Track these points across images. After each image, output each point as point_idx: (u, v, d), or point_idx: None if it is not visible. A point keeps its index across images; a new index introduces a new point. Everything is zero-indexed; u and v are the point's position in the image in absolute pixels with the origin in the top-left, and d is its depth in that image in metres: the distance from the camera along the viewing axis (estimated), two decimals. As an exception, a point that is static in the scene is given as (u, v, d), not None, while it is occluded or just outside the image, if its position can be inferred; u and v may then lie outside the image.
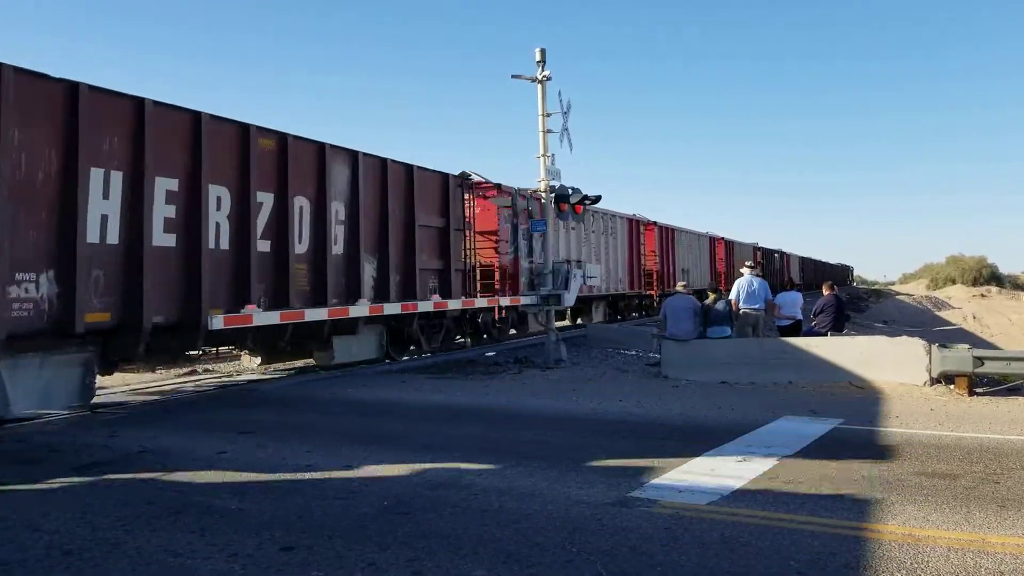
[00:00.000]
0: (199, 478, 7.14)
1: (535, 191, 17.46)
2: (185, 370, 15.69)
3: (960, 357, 11.78)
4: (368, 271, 15.15)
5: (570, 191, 17.59)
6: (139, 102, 10.84)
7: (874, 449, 8.14)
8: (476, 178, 18.58)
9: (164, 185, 11.21)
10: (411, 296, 16.14)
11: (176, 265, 11.38)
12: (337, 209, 14.48)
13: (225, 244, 12.14)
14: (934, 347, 12.25)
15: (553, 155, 17.05)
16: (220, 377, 15.39)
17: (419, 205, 16.47)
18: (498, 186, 19.33)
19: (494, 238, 19.77)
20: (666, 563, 4.87)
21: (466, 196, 18.31)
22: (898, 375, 12.38)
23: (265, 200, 12.91)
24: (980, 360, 11.63)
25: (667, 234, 32.15)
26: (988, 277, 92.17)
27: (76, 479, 7.16)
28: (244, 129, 12.52)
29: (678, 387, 12.88)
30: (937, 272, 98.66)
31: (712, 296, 15.14)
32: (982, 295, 72.22)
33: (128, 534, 5.50)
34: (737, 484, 6.72)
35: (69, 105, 9.97)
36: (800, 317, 16.08)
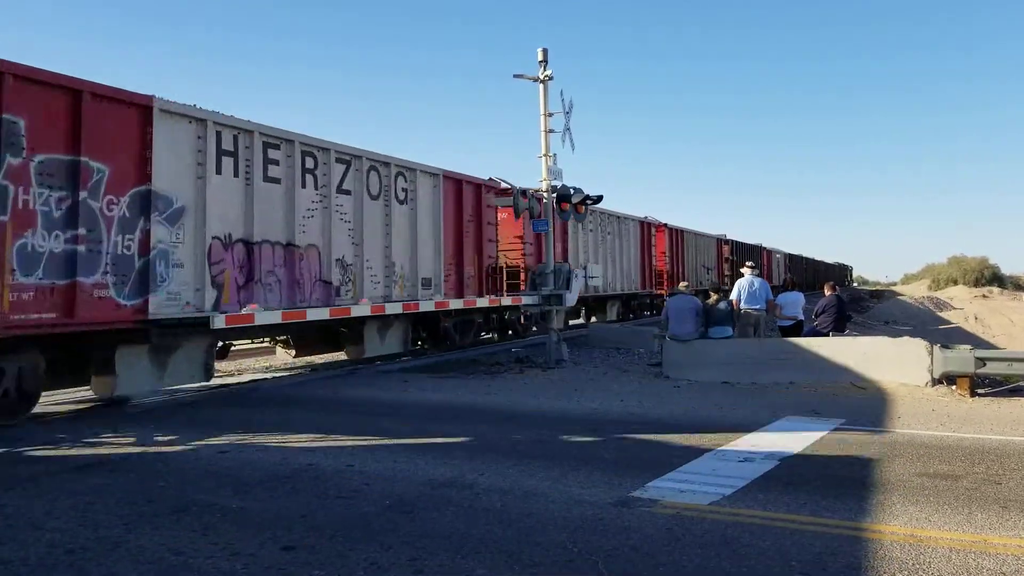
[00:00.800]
0: (200, 477, 7.15)
1: (537, 191, 17.46)
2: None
3: (962, 358, 11.77)
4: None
5: (572, 191, 17.59)
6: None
7: (876, 450, 8.14)
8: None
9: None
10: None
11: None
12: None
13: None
14: (936, 348, 12.24)
15: (555, 155, 17.08)
16: (221, 376, 15.39)
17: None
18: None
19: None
20: (667, 563, 4.87)
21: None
22: (900, 375, 12.38)
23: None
24: (982, 361, 11.63)
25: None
26: (990, 278, 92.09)
27: (78, 477, 7.17)
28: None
29: (679, 387, 12.88)
30: (939, 273, 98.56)
31: (714, 296, 15.13)
32: (984, 296, 72.20)
33: (130, 533, 5.51)
34: (739, 484, 6.72)
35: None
36: (802, 317, 16.08)
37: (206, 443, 8.59)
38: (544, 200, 17.30)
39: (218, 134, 12.10)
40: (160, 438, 8.89)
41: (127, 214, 10.70)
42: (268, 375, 15.50)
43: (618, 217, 28.04)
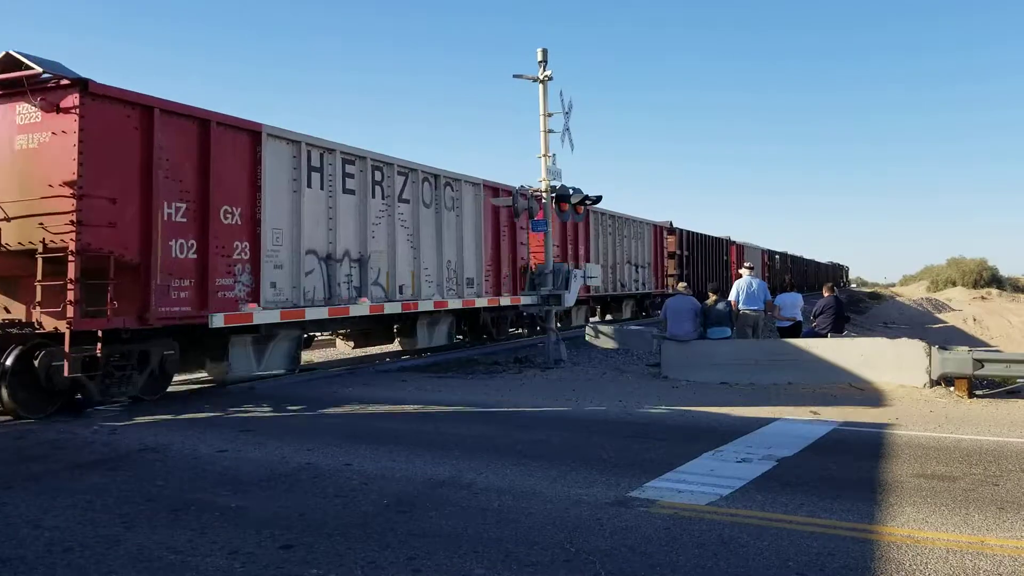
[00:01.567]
0: (199, 476, 7.15)
1: (536, 190, 17.48)
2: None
3: (960, 359, 11.79)
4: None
5: (571, 191, 17.61)
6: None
7: (873, 450, 8.15)
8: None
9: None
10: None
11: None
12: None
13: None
14: (934, 349, 12.26)
15: (554, 155, 17.10)
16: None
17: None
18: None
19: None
20: (665, 563, 4.88)
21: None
22: (898, 376, 12.40)
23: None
24: (980, 362, 11.65)
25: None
26: (989, 279, 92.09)
27: (77, 476, 7.18)
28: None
29: (678, 388, 12.89)
30: (937, 274, 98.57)
31: (712, 297, 15.14)
32: (983, 297, 72.23)
33: (129, 531, 5.51)
34: (736, 485, 6.73)
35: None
36: (800, 318, 16.11)
37: (206, 441, 8.59)
38: (543, 200, 17.31)
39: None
40: (160, 436, 8.88)
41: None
42: (266, 374, 15.48)
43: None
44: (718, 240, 40.19)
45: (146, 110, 10.89)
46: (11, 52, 10.33)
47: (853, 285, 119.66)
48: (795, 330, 15.69)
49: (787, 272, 54.79)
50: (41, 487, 6.76)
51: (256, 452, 8.12)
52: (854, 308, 48.42)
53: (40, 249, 10.09)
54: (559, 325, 23.25)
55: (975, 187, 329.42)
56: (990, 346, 29.96)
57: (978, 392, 11.73)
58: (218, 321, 11.68)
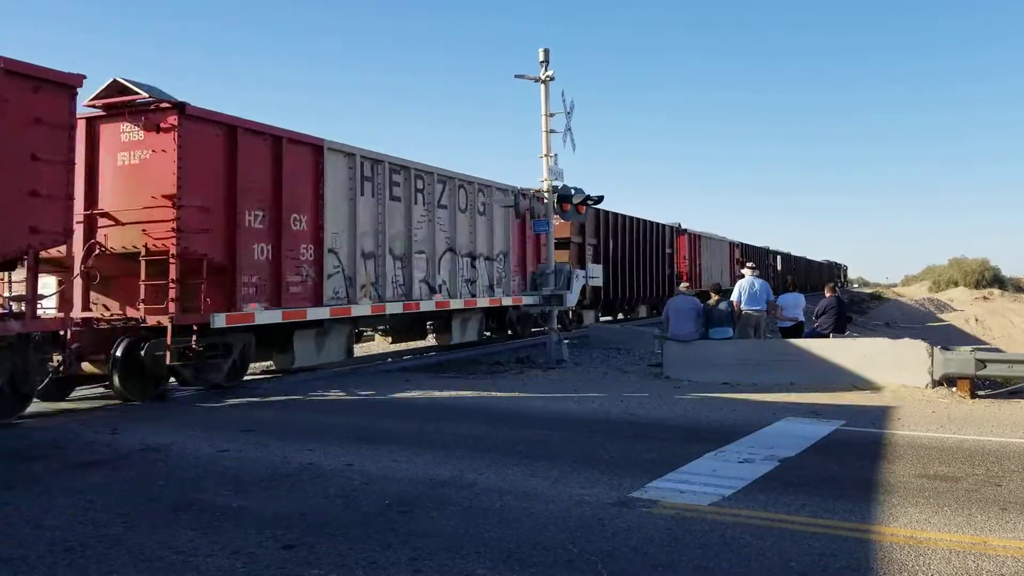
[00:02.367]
0: (201, 476, 7.15)
1: (538, 191, 17.48)
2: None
3: (962, 359, 11.77)
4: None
5: (572, 191, 17.60)
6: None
7: (876, 451, 8.14)
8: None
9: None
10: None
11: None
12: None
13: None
14: (936, 349, 12.24)
15: (556, 155, 17.09)
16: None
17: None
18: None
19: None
20: (667, 564, 4.87)
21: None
22: (900, 377, 12.38)
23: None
24: (982, 363, 11.63)
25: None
26: (991, 280, 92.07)
27: (78, 476, 7.18)
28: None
29: (680, 387, 12.87)
30: (939, 274, 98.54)
31: (714, 297, 15.13)
32: (984, 298, 72.24)
33: (130, 531, 5.51)
34: (739, 485, 6.72)
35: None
36: (802, 318, 16.09)
37: (207, 441, 8.59)
38: (545, 200, 17.31)
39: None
40: (161, 436, 8.88)
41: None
42: (270, 375, 15.49)
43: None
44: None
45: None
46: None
47: (855, 285, 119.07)
48: (797, 330, 15.67)
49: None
50: (42, 487, 6.76)
51: (258, 452, 8.11)
52: (855, 308, 48.36)
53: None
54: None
55: (977, 187, 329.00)
56: (992, 346, 29.94)
57: (980, 392, 11.71)
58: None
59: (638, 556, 5.01)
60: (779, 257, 56.33)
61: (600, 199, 18.73)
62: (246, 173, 12.48)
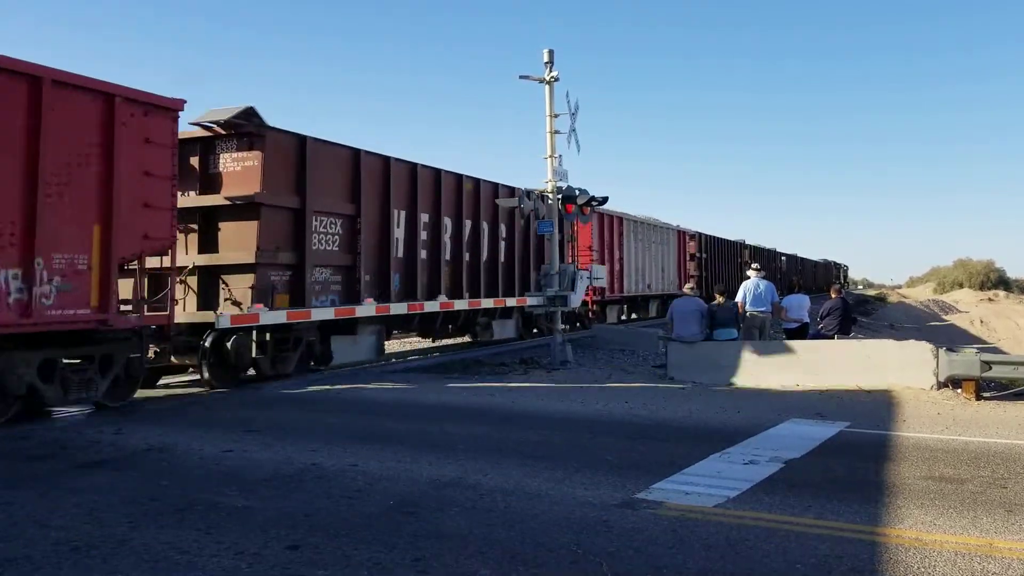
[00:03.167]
0: (205, 476, 7.16)
1: (542, 191, 17.47)
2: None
3: (968, 361, 11.73)
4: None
5: (577, 192, 17.58)
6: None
7: (881, 453, 8.12)
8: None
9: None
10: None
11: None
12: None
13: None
14: (941, 351, 12.20)
15: (560, 156, 17.08)
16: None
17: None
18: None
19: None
20: (671, 565, 4.87)
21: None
22: (905, 378, 12.35)
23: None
24: (988, 364, 11.59)
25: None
26: (996, 281, 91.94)
27: (83, 476, 7.19)
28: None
29: (684, 389, 12.86)
30: (944, 276, 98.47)
31: (719, 298, 15.11)
32: (990, 299, 72.13)
33: (135, 531, 5.52)
34: (743, 487, 6.71)
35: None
36: (807, 320, 16.04)
37: (211, 441, 8.59)
38: (549, 201, 17.30)
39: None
40: (166, 436, 8.89)
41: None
42: (271, 377, 15.50)
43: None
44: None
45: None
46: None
47: (859, 287, 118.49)
48: (802, 332, 15.63)
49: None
50: (47, 487, 6.77)
51: (261, 452, 8.12)
52: (859, 310, 48.21)
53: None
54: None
55: (982, 189, 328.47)
56: (997, 348, 29.86)
57: (985, 394, 11.68)
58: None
59: (642, 557, 5.00)
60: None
61: (605, 200, 18.71)
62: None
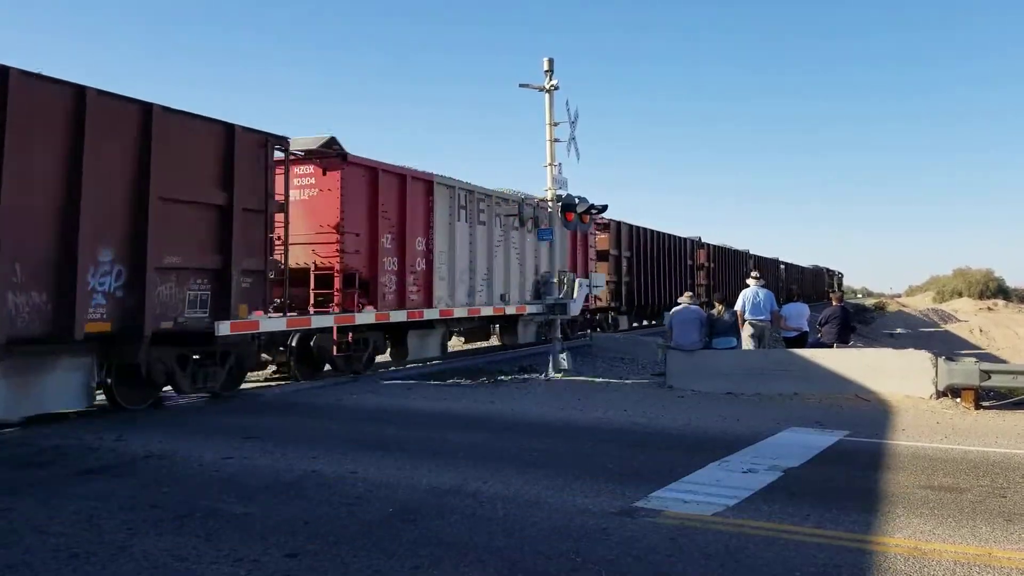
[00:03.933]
0: (205, 483, 7.16)
1: (542, 199, 17.50)
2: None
3: (967, 370, 11.74)
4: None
5: (576, 200, 17.61)
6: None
7: (880, 462, 8.12)
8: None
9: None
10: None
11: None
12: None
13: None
14: (940, 360, 12.20)
15: (560, 164, 17.10)
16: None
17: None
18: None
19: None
20: (670, 573, 4.87)
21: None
22: (904, 387, 12.35)
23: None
24: (987, 373, 11.59)
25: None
26: (995, 290, 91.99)
27: (83, 482, 7.19)
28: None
29: (683, 397, 12.86)
30: (944, 285, 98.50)
31: (718, 307, 15.12)
32: (989, 308, 72.13)
33: (134, 538, 5.52)
34: (742, 495, 6.71)
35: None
36: (806, 328, 16.05)
37: (211, 448, 8.59)
38: (549, 209, 17.33)
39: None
40: (165, 443, 8.89)
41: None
42: (273, 383, 15.50)
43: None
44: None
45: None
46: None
47: (859, 296, 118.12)
48: (801, 340, 15.63)
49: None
50: (46, 493, 6.77)
51: (261, 459, 8.12)
52: (858, 319, 48.17)
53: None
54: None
55: (981, 198, 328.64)
56: (997, 357, 29.86)
57: (984, 403, 11.67)
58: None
59: (641, 565, 5.00)
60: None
61: (604, 208, 18.74)
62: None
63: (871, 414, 11.15)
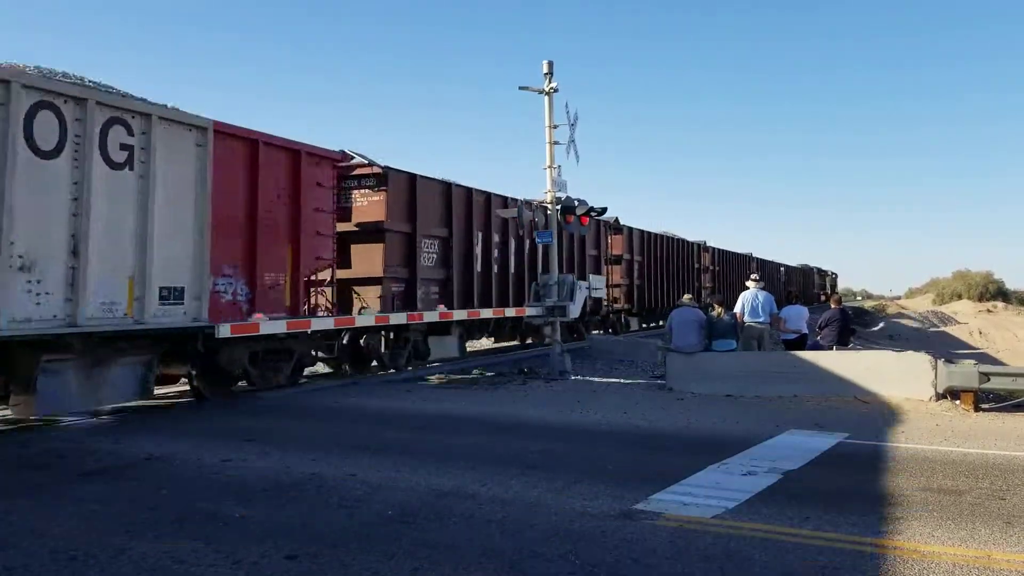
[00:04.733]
0: (204, 485, 7.15)
1: (541, 202, 17.51)
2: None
3: (966, 372, 11.74)
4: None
5: (576, 202, 17.62)
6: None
7: (879, 464, 8.12)
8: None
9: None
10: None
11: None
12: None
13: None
14: (940, 362, 12.20)
15: (559, 166, 17.12)
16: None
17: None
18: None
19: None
20: (670, 575, 4.87)
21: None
22: (904, 390, 12.34)
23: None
24: (986, 376, 11.59)
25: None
26: (995, 293, 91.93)
27: (81, 485, 7.18)
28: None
29: (683, 399, 12.86)
30: (943, 287, 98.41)
31: (718, 309, 15.12)
32: (988, 310, 72.15)
33: (133, 540, 5.51)
34: (742, 497, 6.71)
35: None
36: (805, 331, 16.05)
37: (210, 450, 8.59)
38: (549, 212, 17.34)
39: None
40: (165, 445, 8.89)
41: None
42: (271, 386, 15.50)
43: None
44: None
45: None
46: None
47: (858, 298, 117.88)
48: (800, 343, 15.63)
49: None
50: (45, 496, 6.77)
51: (260, 461, 8.12)
52: (857, 321, 48.16)
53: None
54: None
55: (981, 200, 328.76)
56: (996, 360, 29.87)
57: (984, 406, 11.67)
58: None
59: (641, 568, 5.00)
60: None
61: (603, 211, 18.76)
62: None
63: (870, 416, 11.14)
